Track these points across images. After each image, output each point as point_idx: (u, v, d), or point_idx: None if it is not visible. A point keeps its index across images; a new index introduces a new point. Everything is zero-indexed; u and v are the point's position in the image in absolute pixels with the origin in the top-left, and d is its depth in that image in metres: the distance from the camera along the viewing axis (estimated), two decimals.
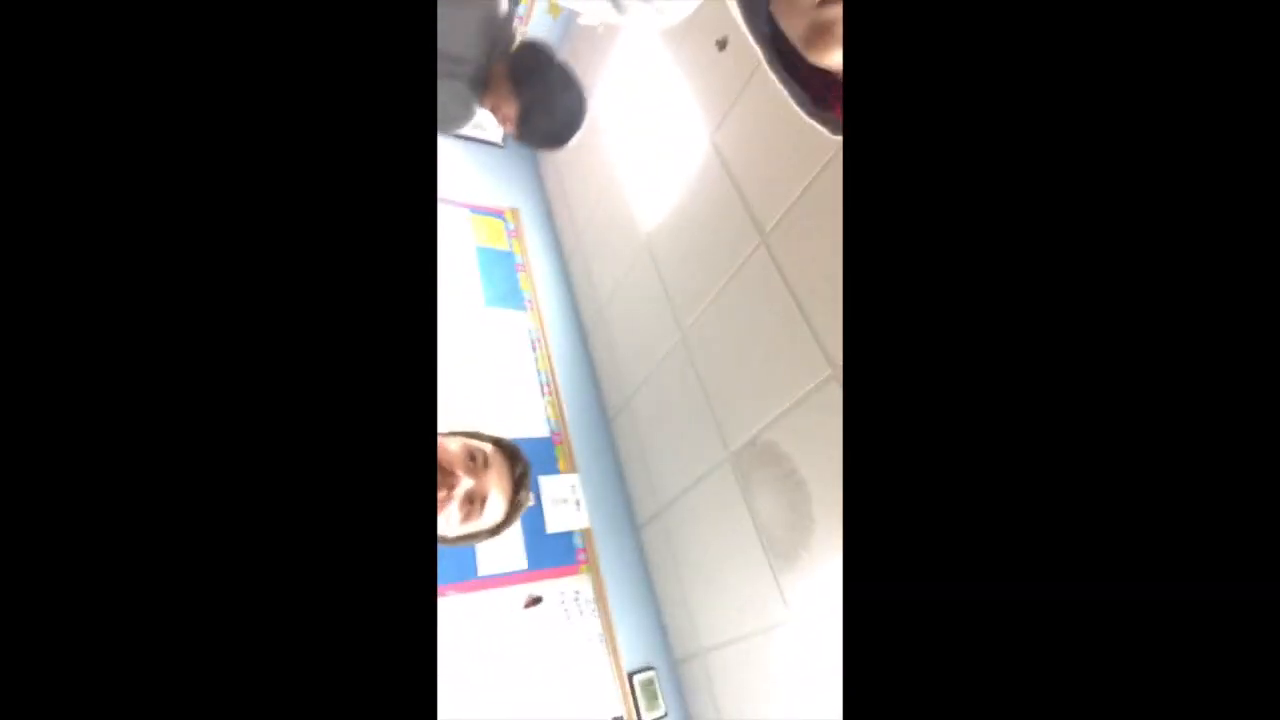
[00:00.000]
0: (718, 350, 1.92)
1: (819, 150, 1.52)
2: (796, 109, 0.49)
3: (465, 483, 0.76)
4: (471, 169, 3.05)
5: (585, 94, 1.28)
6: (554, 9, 2.88)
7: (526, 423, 2.43)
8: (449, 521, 0.76)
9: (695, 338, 2.02)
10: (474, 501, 0.77)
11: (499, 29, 1.24)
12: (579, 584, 2.19)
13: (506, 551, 2.13)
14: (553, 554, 2.20)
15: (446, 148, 3.04)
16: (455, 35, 1.19)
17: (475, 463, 0.78)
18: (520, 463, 0.84)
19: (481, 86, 1.26)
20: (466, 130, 3.11)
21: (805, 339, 1.59)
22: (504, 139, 3.20)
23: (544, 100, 1.23)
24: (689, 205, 2.06)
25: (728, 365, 1.86)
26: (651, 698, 2.06)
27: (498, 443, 0.84)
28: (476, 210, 2.93)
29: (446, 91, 1.24)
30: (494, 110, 1.27)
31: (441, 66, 1.19)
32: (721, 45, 1.82)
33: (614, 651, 2.11)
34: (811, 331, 1.58)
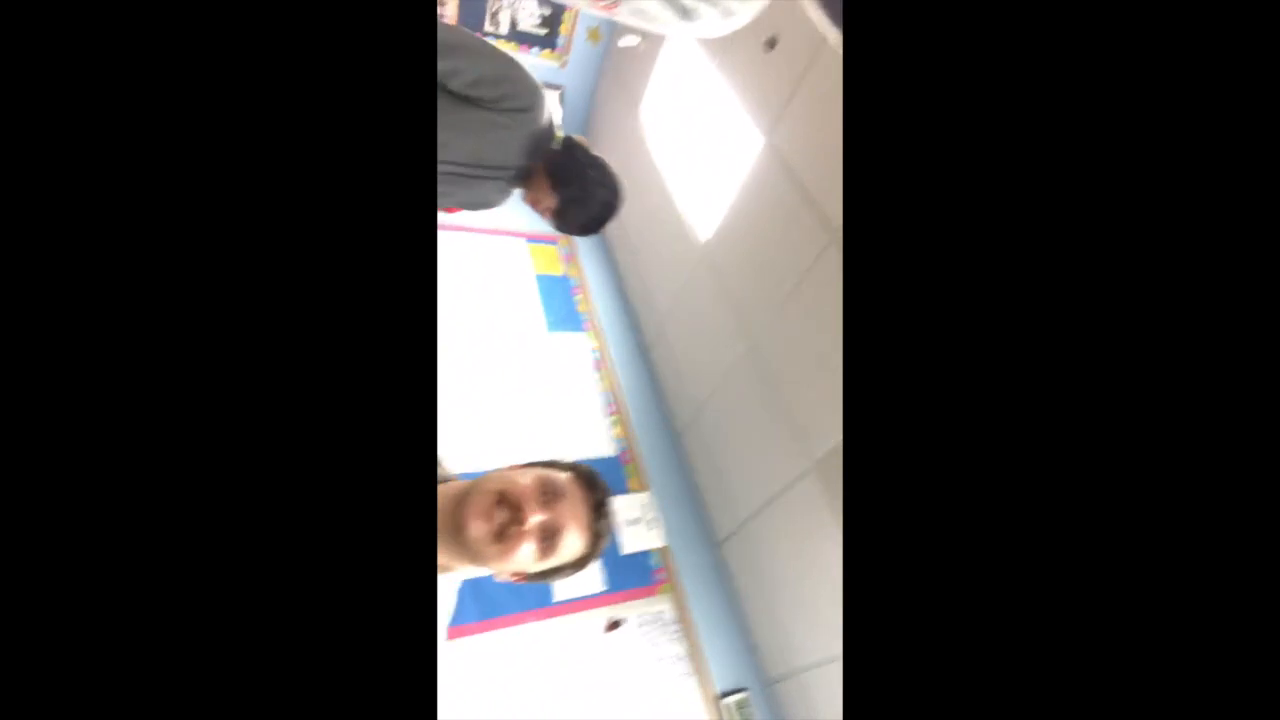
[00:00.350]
0: (793, 356, 1.86)
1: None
2: None
3: (537, 517, 0.72)
4: None
5: (619, 187, 1.36)
6: (594, 36, 2.93)
7: (594, 443, 2.42)
8: (526, 558, 0.72)
9: (765, 345, 1.96)
10: (550, 536, 0.73)
11: (542, 139, 1.29)
12: (660, 605, 2.14)
13: (583, 575, 2.11)
14: (630, 575, 2.16)
15: None
16: (503, 150, 1.25)
17: (549, 495, 0.74)
18: (598, 489, 0.79)
19: (521, 182, 1.32)
20: None
21: None
22: None
23: (580, 198, 1.29)
24: (747, 210, 2.02)
25: (806, 371, 1.80)
26: None
27: (574, 469, 0.80)
28: (533, 240, 2.98)
29: (489, 187, 1.31)
30: (533, 204, 1.33)
31: (486, 171, 1.26)
32: (770, 45, 1.80)
33: (702, 673, 2.04)
34: None
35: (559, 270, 2.93)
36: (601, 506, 0.79)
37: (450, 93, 1.17)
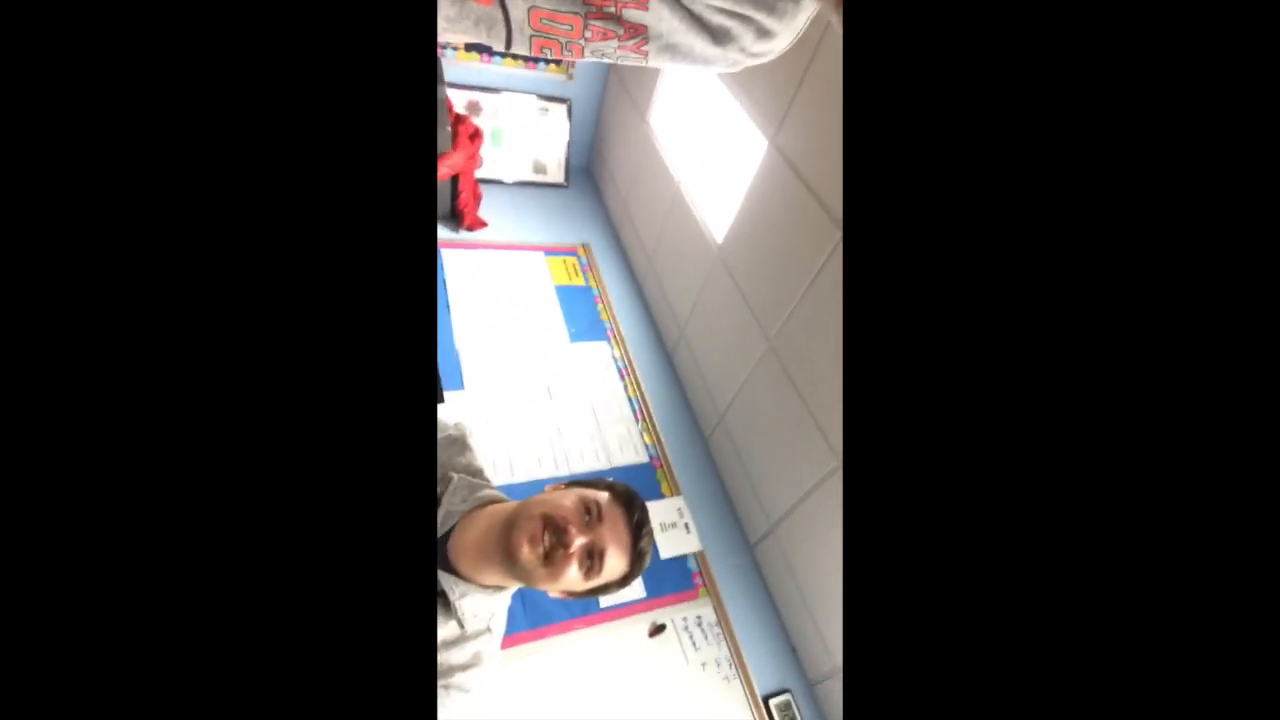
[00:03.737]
0: (811, 355, 1.85)
1: None
2: None
3: (579, 540, 0.75)
4: (540, 213, 3.16)
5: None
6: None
7: (625, 451, 2.45)
8: (573, 579, 0.76)
9: (784, 345, 1.96)
10: (593, 556, 0.76)
11: None
12: (700, 608, 2.15)
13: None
14: (670, 580, 2.18)
15: (515, 197, 3.17)
16: None
17: (591, 516, 0.77)
18: (636, 509, 0.81)
19: None
20: (531, 176, 3.24)
21: None
22: (567, 178, 3.30)
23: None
24: (759, 213, 2.02)
25: (824, 369, 1.79)
26: None
27: (612, 489, 0.83)
28: (551, 252, 3.02)
29: None
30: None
31: None
32: None
33: (745, 676, 2.04)
34: None
35: (579, 281, 2.96)
36: (641, 526, 0.81)
37: None
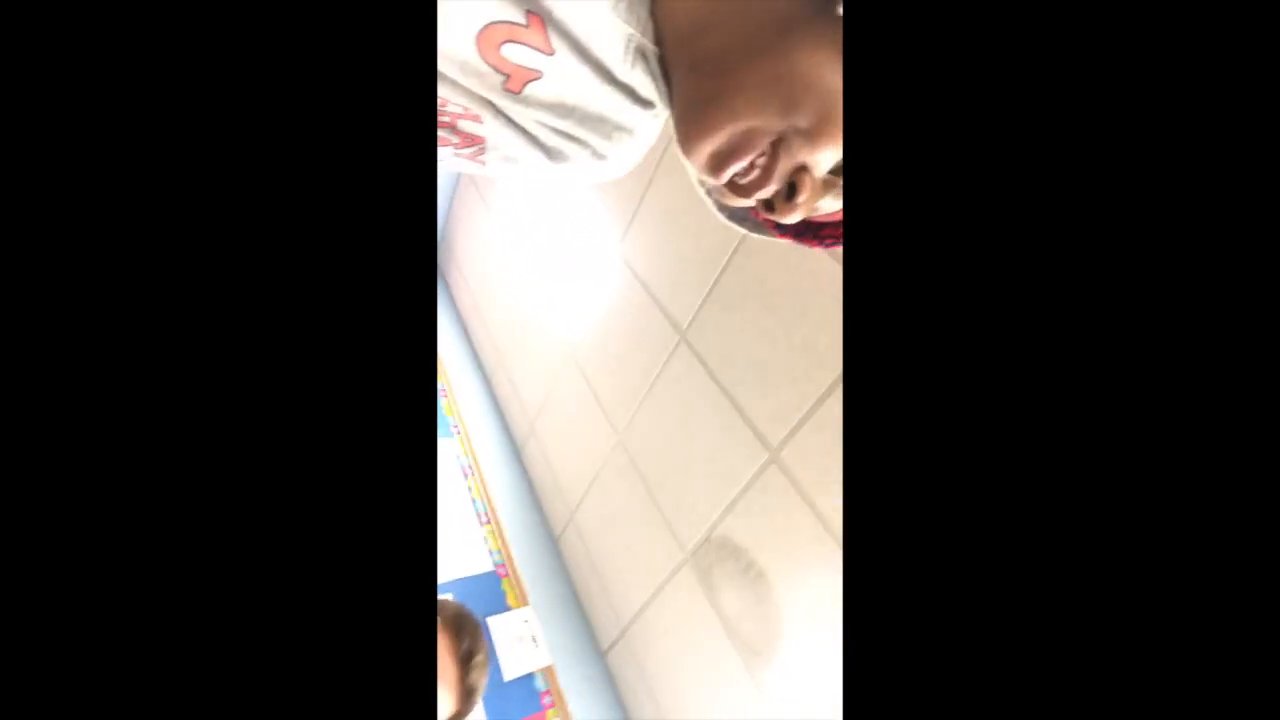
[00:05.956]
0: (657, 450, 1.90)
1: (722, 247, 1.62)
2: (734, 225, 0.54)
3: None
4: None
5: None
6: None
7: (468, 559, 2.27)
8: None
9: (633, 441, 2.00)
10: None
11: None
12: None
13: None
14: (515, 703, 1.99)
15: None
16: None
17: None
18: (466, 635, 0.74)
19: None
20: None
21: (739, 426, 1.60)
22: None
23: None
24: (607, 312, 2.11)
25: (669, 464, 1.84)
26: None
27: (440, 614, 0.75)
28: None
29: None
30: None
31: None
32: None
33: None
34: (744, 419, 1.59)
35: None
36: (471, 656, 0.74)
37: None
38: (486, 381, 2.94)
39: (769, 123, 0.40)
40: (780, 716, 1.58)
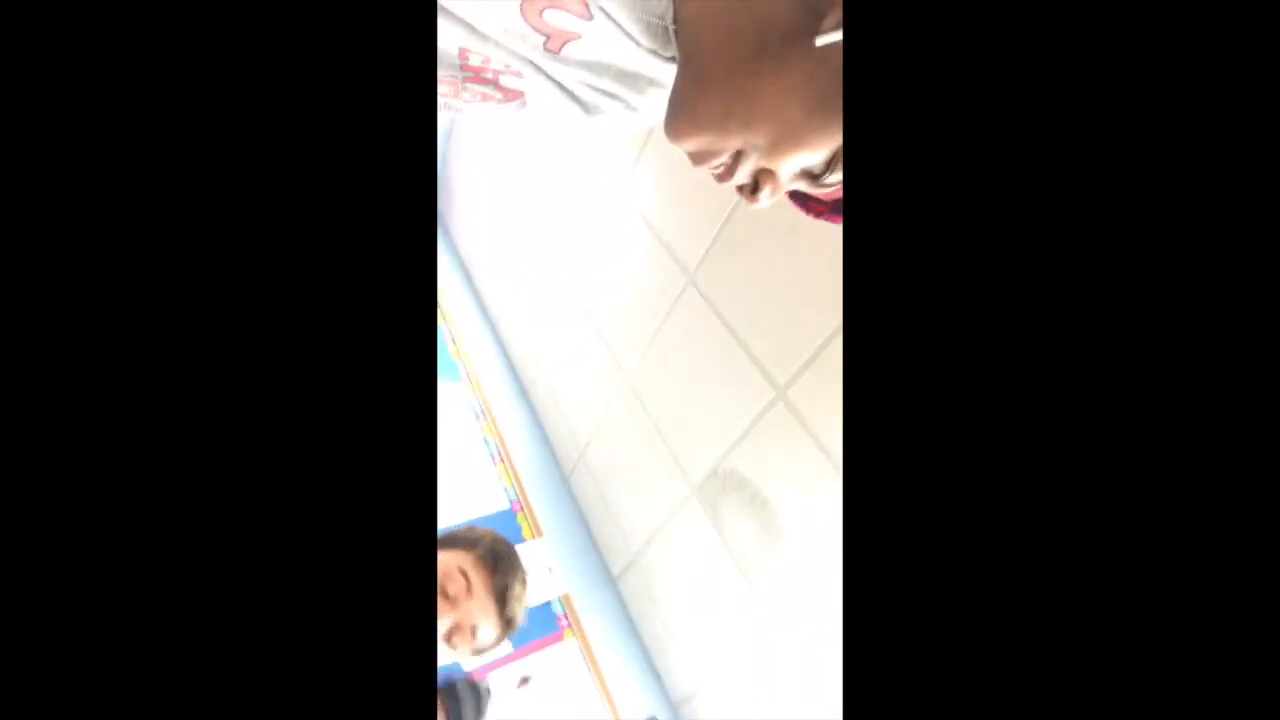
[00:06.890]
0: (664, 389, 1.97)
1: (730, 189, 1.63)
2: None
3: (444, 621, 0.73)
4: None
5: None
6: None
7: (485, 499, 2.38)
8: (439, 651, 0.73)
9: (641, 380, 2.06)
10: (462, 631, 0.74)
11: None
12: (566, 650, 2.13)
13: None
14: (536, 627, 2.14)
15: None
16: None
17: (459, 584, 0.75)
18: (502, 570, 0.80)
19: None
20: None
21: (746, 365, 1.66)
22: None
23: None
24: (614, 255, 2.13)
25: (677, 403, 1.92)
26: None
27: (477, 549, 0.80)
28: None
29: None
30: None
31: None
32: None
33: (613, 709, 2.05)
34: (751, 358, 1.65)
35: None
36: (507, 590, 0.80)
37: None
38: (493, 325, 2.98)
39: (726, 140, 0.44)
40: (782, 628, 1.72)
